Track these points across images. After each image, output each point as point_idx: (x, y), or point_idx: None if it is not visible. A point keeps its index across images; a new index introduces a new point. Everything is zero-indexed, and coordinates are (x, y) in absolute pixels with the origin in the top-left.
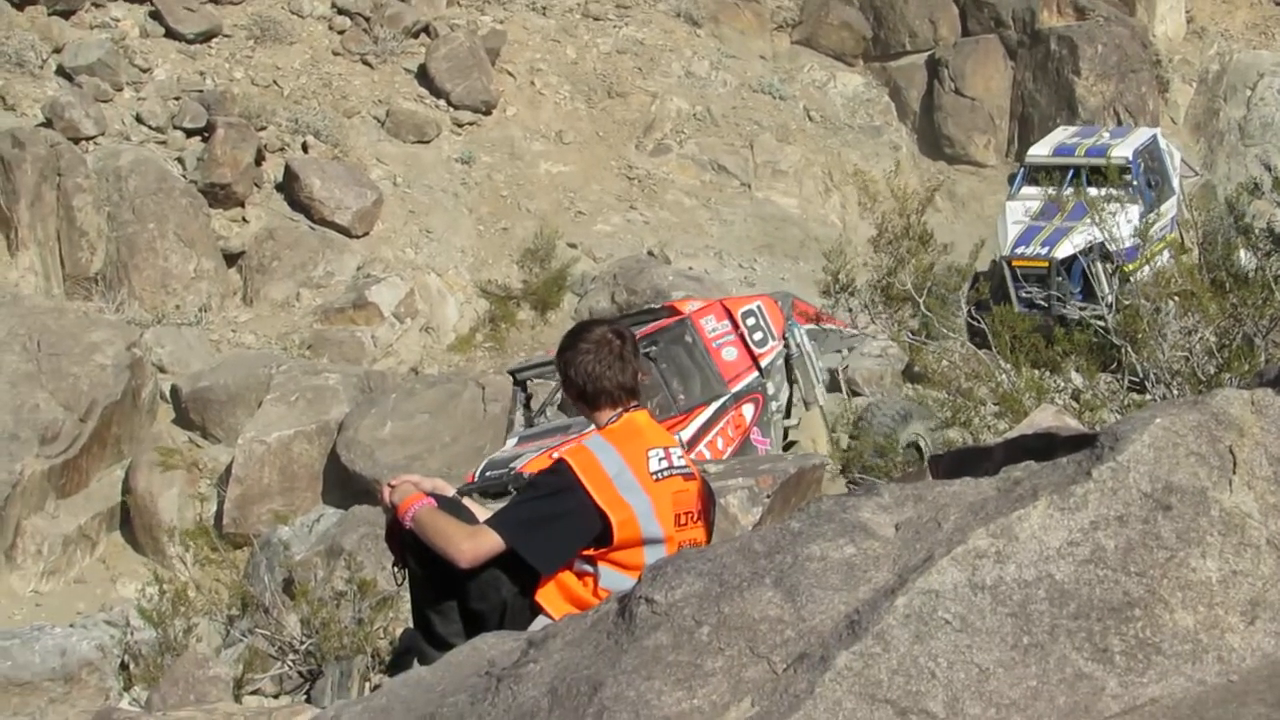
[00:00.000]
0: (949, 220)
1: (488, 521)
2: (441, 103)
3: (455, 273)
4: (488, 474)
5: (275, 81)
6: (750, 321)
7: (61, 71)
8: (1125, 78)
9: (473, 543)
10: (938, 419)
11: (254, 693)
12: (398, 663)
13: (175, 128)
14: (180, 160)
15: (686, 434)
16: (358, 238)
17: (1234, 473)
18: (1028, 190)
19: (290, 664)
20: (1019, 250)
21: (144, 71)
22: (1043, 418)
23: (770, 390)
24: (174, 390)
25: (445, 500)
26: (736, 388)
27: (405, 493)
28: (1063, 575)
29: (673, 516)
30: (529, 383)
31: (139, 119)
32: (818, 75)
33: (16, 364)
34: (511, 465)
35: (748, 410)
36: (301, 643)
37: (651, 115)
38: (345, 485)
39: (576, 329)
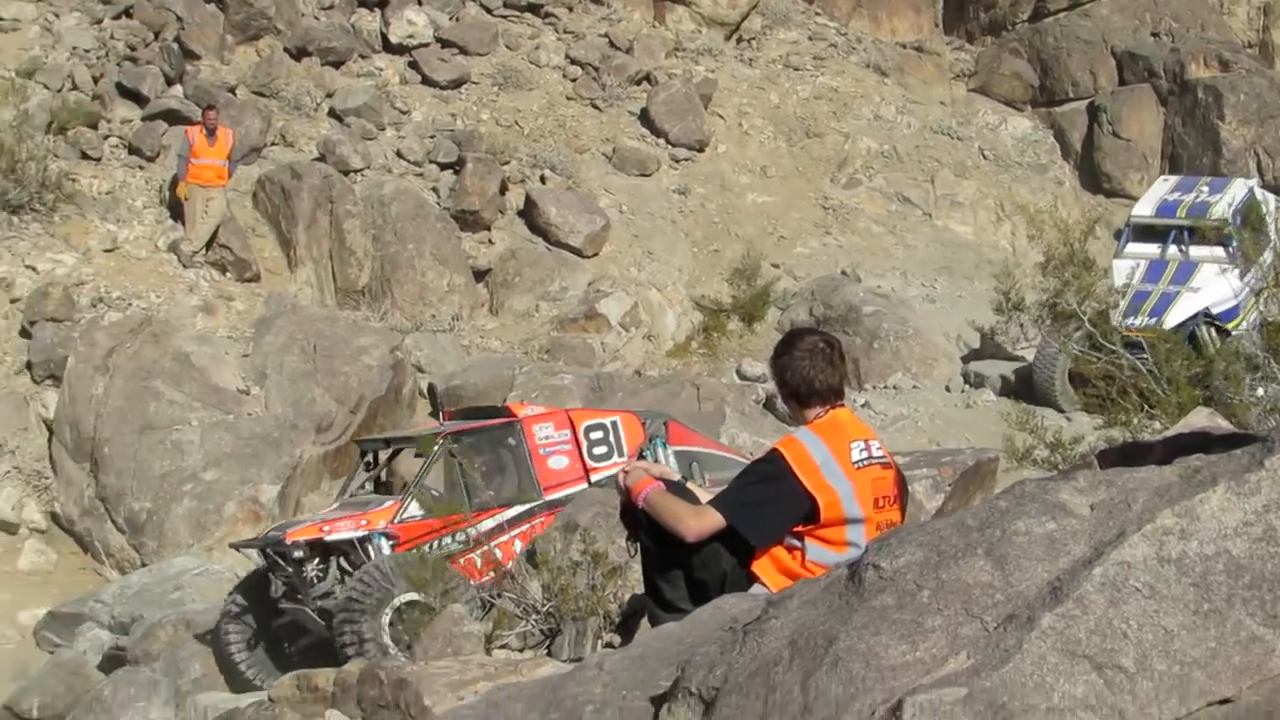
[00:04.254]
0: (1107, 247)
1: (710, 503)
2: (661, 141)
3: (673, 288)
4: (269, 534)
5: (516, 122)
6: (595, 435)
7: (333, 114)
8: (1265, 122)
9: (698, 521)
10: None
11: (502, 647)
12: (627, 623)
13: (430, 162)
14: (435, 190)
15: (475, 531)
16: (588, 258)
17: None
18: (1133, 248)
19: (533, 623)
20: (1129, 322)
21: (403, 114)
22: (1197, 419)
23: None
24: (430, 388)
25: (671, 483)
26: (553, 495)
27: (637, 477)
28: (1239, 551)
29: (872, 500)
30: (374, 454)
31: (399, 154)
32: (990, 119)
33: (296, 364)
34: (284, 530)
35: None
36: (543, 605)
37: (844, 153)
38: None
39: (790, 336)
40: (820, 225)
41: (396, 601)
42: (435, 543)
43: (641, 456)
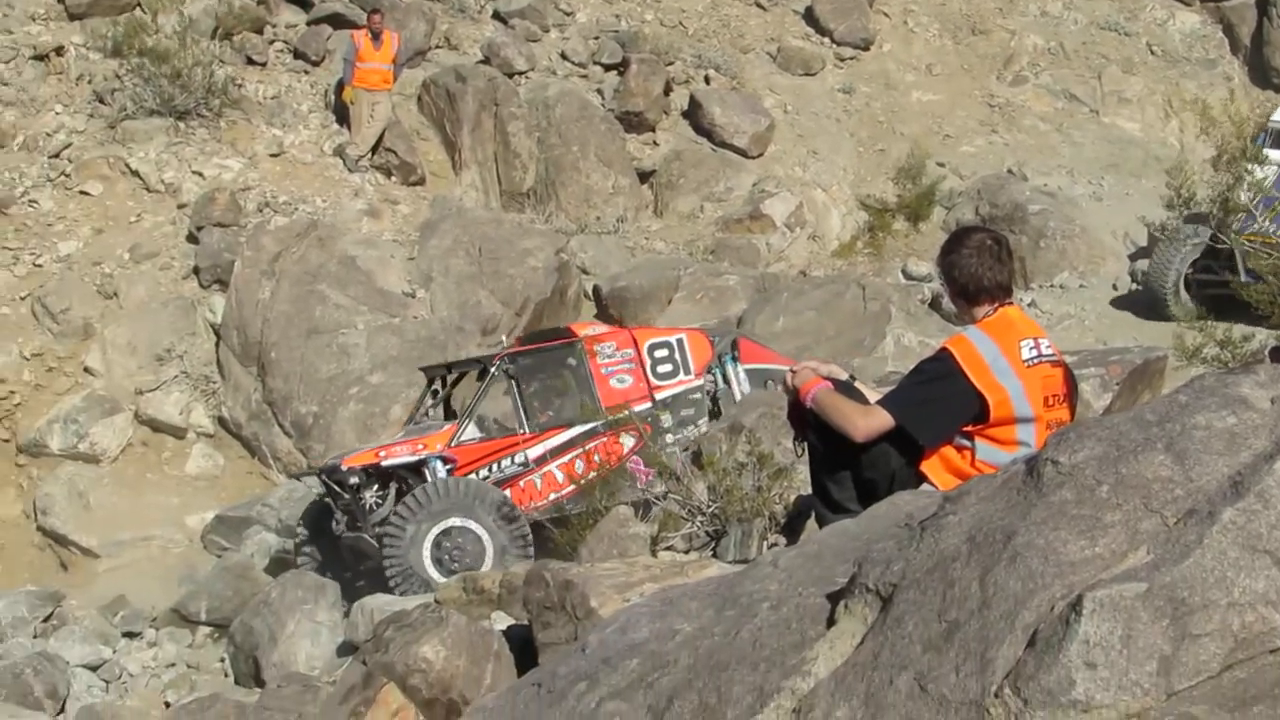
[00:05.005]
0: None
1: (879, 402)
2: (825, 40)
3: (838, 188)
4: (328, 462)
5: (680, 22)
6: (659, 354)
7: (497, 16)
8: None
9: (866, 420)
10: None
11: (667, 549)
12: (792, 524)
13: (595, 63)
14: (599, 91)
15: (534, 452)
16: (753, 158)
17: None
18: (1270, 153)
19: (698, 525)
20: (1250, 226)
21: (567, 15)
22: None
23: (667, 423)
24: (595, 289)
25: (840, 383)
26: (616, 416)
27: (805, 377)
28: None
29: (1041, 398)
30: (442, 379)
31: (563, 56)
32: (1158, 14)
33: (462, 267)
34: (342, 457)
35: (627, 439)
36: (708, 506)
37: (1010, 50)
38: None
39: (958, 234)
40: (986, 123)
41: (441, 527)
42: (494, 465)
43: (710, 375)
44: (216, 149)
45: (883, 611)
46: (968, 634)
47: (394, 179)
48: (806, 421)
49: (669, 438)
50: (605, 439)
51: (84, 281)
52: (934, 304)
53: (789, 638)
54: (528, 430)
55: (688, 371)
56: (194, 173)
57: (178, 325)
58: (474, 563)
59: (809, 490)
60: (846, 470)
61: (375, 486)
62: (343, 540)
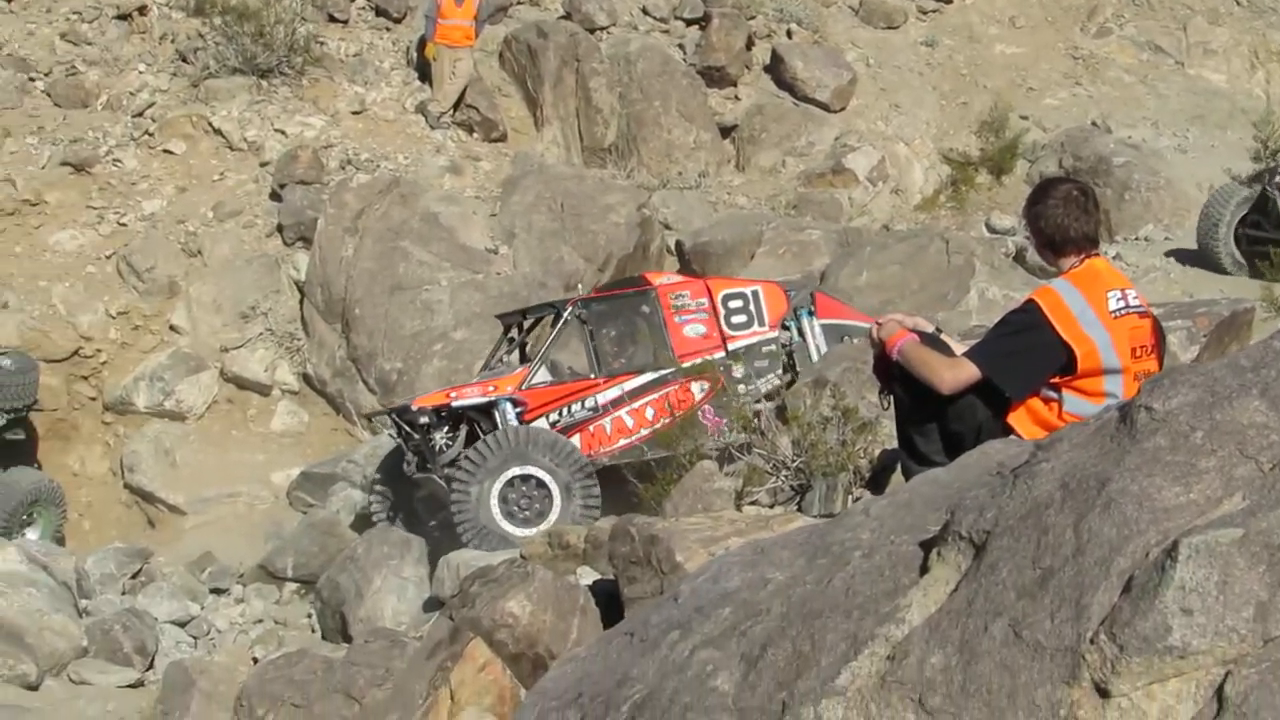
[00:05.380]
0: None
1: (965, 354)
2: None
3: (920, 142)
4: (400, 403)
5: None
6: (734, 304)
7: None
8: None
9: (953, 372)
10: None
11: (752, 503)
12: (877, 478)
13: (676, 18)
14: (681, 46)
15: (604, 397)
16: (835, 112)
17: None
18: None
19: (783, 479)
20: None
21: None
22: None
23: (739, 373)
24: (678, 244)
25: (925, 335)
26: (689, 364)
27: (891, 329)
28: None
29: (1129, 349)
30: (517, 326)
31: (644, 11)
32: None
33: (544, 223)
34: (414, 398)
35: (698, 388)
36: (793, 461)
37: (1094, 1)
38: None
39: (1044, 184)
40: (1069, 76)
41: (506, 477)
42: (564, 410)
43: (785, 328)
44: (299, 107)
45: (976, 559)
46: (1062, 580)
47: (476, 135)
48: (892, 374)
49: (741, 388)
50: (677, 386)
51: (168, 240)
52: (1018, 257)
53: (882, 585)
54: (599, 375)
55: (762, 323)
56: (276, 131)
57: (262, 283)
58: (541, 510)
59: (894, 444)
60: (933, 423)
61: (446, 428)
62: (415, 480)
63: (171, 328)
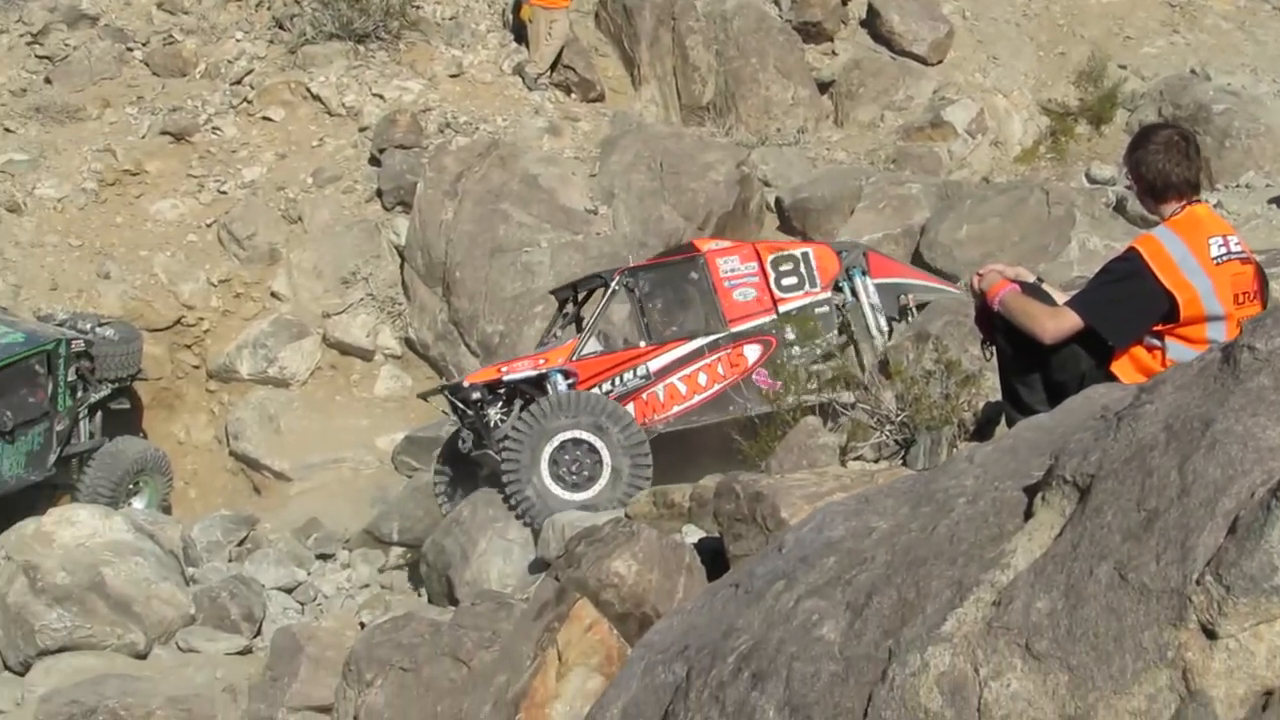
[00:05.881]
0: None
1: (1067, 303)
2: None
3: (1019, 93)
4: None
5: None
6: (784, 267)
7: None
8: None
9: (1055, 321)
10: None
11: (856, 459)
12: (981, 431)
13: None
14: (776, 3)
15: (655, 365)
16: (932, 65)
17: None
18: None
19: (887, 434)
20: None
21: None
22: None
23: (791, 335)
24: (778, 201)
25: (1027, 285)
26: (740, 328)
27: (992, 280)
28: None
29: (1231, 296)
30: (572, 299)
31: None
32: None
33: (643, 182)
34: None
35: (751, 350)
36: (896, 415)
37: None
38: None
39: (1145, 130)
40: (1167, 24)
41: (556, 441)
42: (615, 379)
43: (838, 289)
44: (396, 71)
45: (1080, 502)
46: (1167, 522)
47: (573, 96)
48: (994, 325)
49: (795, 349)
50: (729, 351)
51: (268, 207)
52: (1119, 207)
53: (986, 531)
54: (650, 342)
55: (814, 284)
56: (374, 95)
57: (362, 248)
58: (591, 476)
59: (998, 396)
60: (1036, 373)
61: (500, 403)
62: (472, 457)
63: (273, 294)
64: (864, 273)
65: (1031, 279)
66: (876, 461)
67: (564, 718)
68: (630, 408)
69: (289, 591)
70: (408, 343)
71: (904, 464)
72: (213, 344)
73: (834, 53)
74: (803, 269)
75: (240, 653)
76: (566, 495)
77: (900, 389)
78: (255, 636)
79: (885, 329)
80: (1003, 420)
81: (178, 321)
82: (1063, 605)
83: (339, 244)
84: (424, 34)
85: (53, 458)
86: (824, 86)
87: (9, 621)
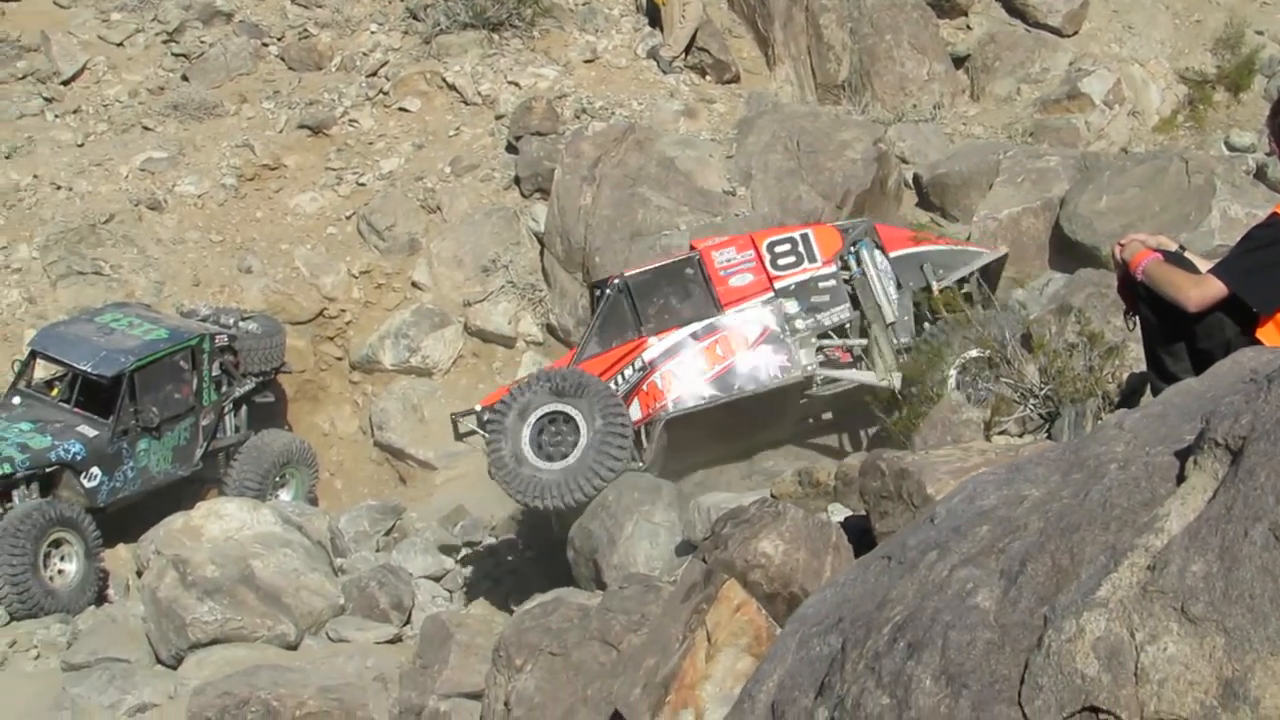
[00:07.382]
0: None
1: (1210, 270)
2: None
3: (1156, 63)
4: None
5: None
6: (780, 249)
7: None
8: None
9: (1199, 289)
10: None
11: (1001, 433)
12: (1126, 402)
13: None
14: None
15: (650, 353)
16: (1068, 37)
17: None
18: None
19: (1031, 407)
20: None
21: None
22: None
23: (792, 309)
24: (915, 178)
25: (1169, 254)
26: (735, 309)
27: (1134, 250)
28: None
29: None
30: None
31: None
32: None
33: (780, 162)
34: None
35: (750, 329)
36: (1040, 388)
37: None
38: (1067, 252)
39: None
40: None
41: (538, 414)
42: (618, 376)
43: (844, 265)
44: (531, 58)
45: (1233, 465)
46: None
47: (708, 78)
48: (1137, 295)
49: (799, 323)
50: (725, 332)
51: (407, 197)
52: (1259, 174)
53: (1139, 496)
54: (643, 333)
55: (812, 260)
56: (510, 83)
57: (501, 235)
58: (569, 449)
59: (1142, 367)
60: (1181, 342)
61: None
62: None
63: (414, 284)
64: (875, 245)
65: (1173, 247)
66: (1021, 435)
67: (714, 698)
68: (635, 404)
69: (437, 580)
70: (549, 329)
71: (1049, 438)
72: (355, 335)
73: (968, 27)
74: (801, 248)
75: (390, 641)
76: (544, 465)
77: (1043, 362)
78: (405, 625)
79: (895, 297)
80: (1148, 390)
81: (320, 314)
82: (1217, 568)
83: (478, 232)
84: (557, 20)
85: (199, 453)
86: (959, 61)
87: (160, 615)
